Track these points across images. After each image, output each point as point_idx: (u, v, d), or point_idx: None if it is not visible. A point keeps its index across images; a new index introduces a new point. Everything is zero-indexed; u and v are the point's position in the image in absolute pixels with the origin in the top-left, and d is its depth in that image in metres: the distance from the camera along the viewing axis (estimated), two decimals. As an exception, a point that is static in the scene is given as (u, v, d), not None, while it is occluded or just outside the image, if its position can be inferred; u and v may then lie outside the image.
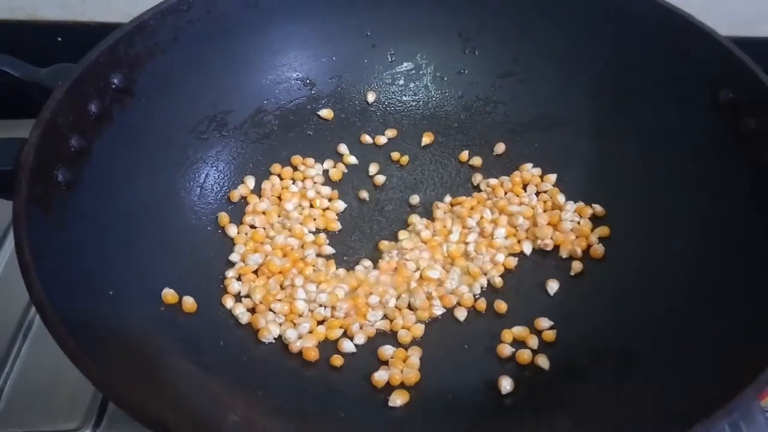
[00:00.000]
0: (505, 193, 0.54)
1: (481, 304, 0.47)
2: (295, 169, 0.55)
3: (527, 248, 0.50)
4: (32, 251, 0.34)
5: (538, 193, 0.53)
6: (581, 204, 0.52)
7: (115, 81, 0.46)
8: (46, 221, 0.38)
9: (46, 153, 0.39)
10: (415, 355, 0.45)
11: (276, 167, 0.55)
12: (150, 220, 0.46)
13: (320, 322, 0.46)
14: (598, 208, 0.52)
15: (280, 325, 0.46)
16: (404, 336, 0.46)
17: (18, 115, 0.58)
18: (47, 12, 0.66)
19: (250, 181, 0.54)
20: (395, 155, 0.57)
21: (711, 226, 0.46)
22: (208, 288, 0.47)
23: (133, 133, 0.47)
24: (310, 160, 0.56)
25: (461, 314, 0.47)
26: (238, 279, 0.48)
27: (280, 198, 0.53)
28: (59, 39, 0.67)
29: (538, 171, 0.55)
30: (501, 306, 0.47)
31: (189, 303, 0.44)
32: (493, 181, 0.54)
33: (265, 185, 0.54)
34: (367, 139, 0.58)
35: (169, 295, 0.44)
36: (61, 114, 0.41)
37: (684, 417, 0.32)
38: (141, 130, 0.48)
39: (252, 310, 0.46)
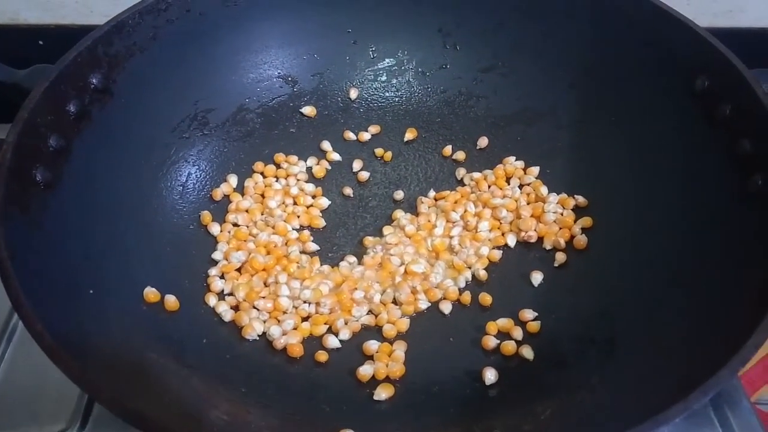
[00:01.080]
0: (489, 187, 0.54)
1: (466, 297, 0.47)
2: (278, 166, 0.55)
3: (511, 241, 0.51)
4: (9, 250, 0.34)
5: (521, 186, 0.54)
6: (564, 195, 0.52)
7: (94, 81, 0.46)
8: (25, 221, 0.38)
9: (25, 152, 0.39)
10: (400, 349, 0.45)
11: (259, 165, 0.55)
12: (131, 220, 0.46)
13: (305, 319, 0.46)
14: (581, 199, 0.52)
15: (264, 322, 0.46)
16: (389, 330, 0.46)
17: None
18: (28, 15, 0.66)
19: (233, 180, 0.53)
20: (379, 151, 0.57)
21: (691, 213, 0.46)
22: (191, 286, 0.46)
23: (113, 132, 0.47)
24: (294, 158, 0.56)
25: (446, 307, 0.47)
26: (221, 277, 0.48)
27: (263, 196, 0.53)
28: (40, 42, 0.67)
29: (521, 164, 0.55)
30: (486, 298, 0.47)
31: (171, 301, 0.44)
32: (476, 175, 0.55)
33: (248, 183, 0.54)
34: (350, 135, 0.58)
35: (150, 294, 0.44)
36: (39, 113, 0.41)
37: (664, 400, 0.32)
38: (121, 129, 0.47)
39: (235, 308, 0.46)
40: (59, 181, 0.41)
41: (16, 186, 0.38)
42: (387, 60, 0.59)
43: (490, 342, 0.44)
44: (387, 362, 0.44)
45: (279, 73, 0.57)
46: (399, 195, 0.54)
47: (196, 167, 0.52)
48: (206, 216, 0.51)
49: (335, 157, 0.56)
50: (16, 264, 0.33)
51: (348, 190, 0.55)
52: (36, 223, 0.38)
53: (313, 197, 0.54)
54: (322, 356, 0.44)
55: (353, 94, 0.59)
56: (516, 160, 0.55)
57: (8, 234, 0.35)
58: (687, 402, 0.30)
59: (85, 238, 0.42)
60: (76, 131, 0.44)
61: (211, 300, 0.46)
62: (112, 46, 0.47)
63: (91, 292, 0.39)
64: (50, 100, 0.42)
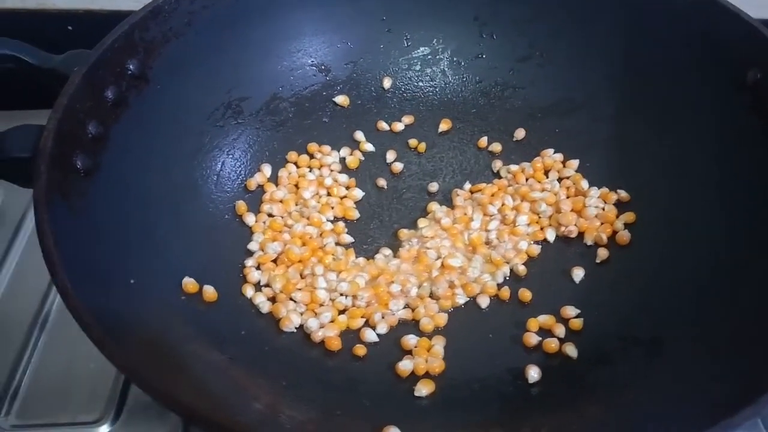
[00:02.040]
0: (527, 180, 0.53)
1: (505, 293, 0.47)
2: (311, 156, 0.55)
3: (550, 235, 0.50)
4: (55, 240, 0.33)
5: (560, 179, 0.53)
6: (605, 190, 0.51)
7: (131, 67, 0.45)
8: (66, 208, 0.37)
9: (65, 139, 0.38)
10: (438, 344, 0.44)
11: (292, 155, 0.54)
12: (167, 209, 0.46)
13: (341, 312, 0.46)
14: (623, 194, 0.51)
15: (302, 314, 0.45)
16: (427, 324, 0.45)
17: (30, 105, 0.58)
18: (58, 1, 0.65)
19: (267, 169, 0.53)
20: (413, 142, 0.56)
21: (737, 209, 0.45)
22: (227, 277, 0.46)
23: (149, 119, 0.46)
24: (327, 148, 0.55)
25: (484, 301, 0.46)
26: (258, 268, 0.47)
27: (297, 186, 0.53)
28: (69, 27, 0.67)
29: (559, 156, 0.54)
30: (525, 294, 0.46)
31: (209, 292, 0.44)
32: (513, 168, 0.54)
33: (282, 173, 0.53)
34: (383, 126, 0.57)
35: (189, 284, 0.43)
36: (78, 100, 0.40)
37: (715, 407, 0.31)
38: (157, 116, 0.47)
39: (272, 300, 0.46)
40: (97, 168, 0.41)
41: (57, 173, 0.37)
42: (421, 49, 0.58)
43: (532, 339, 0.44)
44: (426, 357, 0.43)
45: (312, 61, 0.56)
46: (434, 187, 0.53)
47: (230, 156, 0.52)
48: (241, 206, 0.50)
49: (368, 147, 0.56)
50: (61, 253, 0.33)
51: (382, 182, 0.54)
52: (76, 210, 0.38)
53: (347, 188, 0.53)
54: (360, 350, 0.43)
55: (387, 83, 0.58)
56: (554, 152, 0.54)
57: (52, 221, 0.34)
58: (757, 405, 0.29)
59: (122, 227, 0.41)
60: (114, 118, 0.43)
61: (249, 291, 0.46)
62: (148, 32, 0.46)
63: (132, 281, 0.39)
64: (89, 86, 0.42)
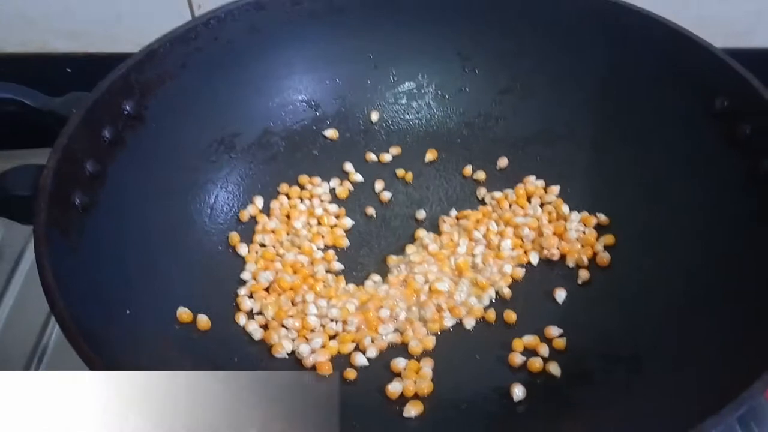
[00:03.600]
0: (510, 206, 0.55)
1: (491, 315, 0.48)
2: (302, 188, 0.56)
3: (534, 259, 0.51)
4: (54, 273, 0.35)
5: (542, 205, 0.54)
6: (585, 214, 0.53)
7: (127, 107, 0.47)
8: (65, 244, 0.39)
9: (64, 177, 0.40)
10: (427, 366, 0.45)
11: (284, 187, 0.56)
12: (163, 241, 0.47)
13: (332, 337, 0.47)
14: (603, 217, 0.52)
15: (293, 340, 0.46)
16: (415, 347, 0.46)
17: (28, 144, 0.60)
18: (57, 44, 0.68)
19: (259, 201, 0.55)
20: (400, 172, 0.58)
21: (712, 230, 0.46)
22: (221, 306, 0.47)
23: (144, 157, 0.48)
24: (317, 179, 0.57)
25: (469, 323, 0.48)
26: (250, 296, 0.49)
27: (288, 216, 0.54)
28: (68, 70, 0.69)
29: (541, 183, 0.56)
30: (510, 316, 0.48)
31: (203, 321, 0.45)
32: (497, 194, 0.55)
33: (274, 204, 0.55)
34: (371, 157, 0.59)
35: (183, 313, 0.45)
36: (76, 140, 0.42)
37: (694, 415, 0.32)
38: (152, 154, 0.49)
39: (265, 327, 0.47)
40: (95, 205, 0.43)
41: (57, 210, 0.39)
42: (407, 83, 0.61)
43: (517, 359, 0.45)
44: (415, 379, 0.44)
45: (303, 97, 0.59)
46: (421, 214, 0.55)
47: (224, 189, 0.54)
48: (234, 237, 0.52)
49: (358, 178, 0.58)
50: (60, 286, 0.35)
51: (371, 210, 0.56)
52: (75, 246, 0.39)
53: (337, 217, 0.55)
54: (350, 374, 0.45)
55: (374, 116, 0.60)
56: (536, 179, 0.56)
57: (51, 256, 0.36)
58: (719, 416, 0.30)
59: (120, 260, 0.43)
60: (110, 156, 0.45)
61: (242, 319, 0.47)
62: (143, 74, 0.49)
63: (128, 312, 0.40)
64: (87, 127, 0.44)
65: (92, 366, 0.32)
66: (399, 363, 0.45)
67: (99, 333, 0.36)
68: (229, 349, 0.45)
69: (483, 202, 0.56)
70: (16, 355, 0.50)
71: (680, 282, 0.46)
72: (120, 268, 0.43)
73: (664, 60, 0.52)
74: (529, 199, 0.55)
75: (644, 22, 0.52)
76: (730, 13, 0.67)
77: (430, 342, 0.47)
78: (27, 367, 0.50)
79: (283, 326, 0.47)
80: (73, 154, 0.42)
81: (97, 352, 0.33)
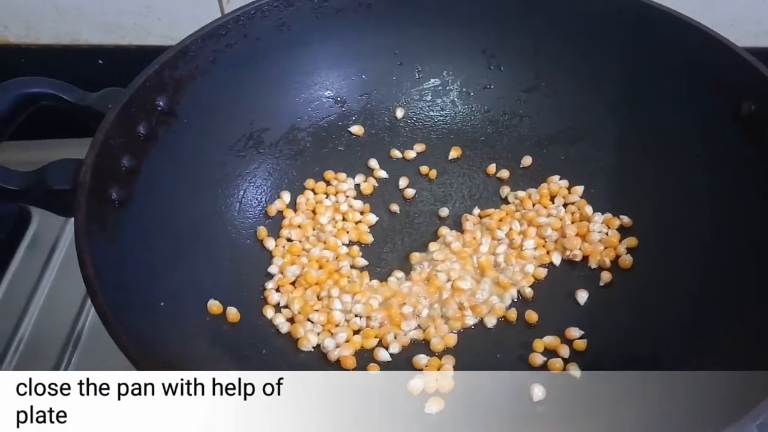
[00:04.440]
0: (533, 205, 0.55)
1: (512, 314, 0.49)
2: (328, 183, 0.57)
3: (556, 259, 0.52)
4: (95, 267, 0.36)
5: (565, 205, 0.55)
6: (609, 215, 0.53)
7: (161, 103, 0.48)
8: (103, 237, 0.40)
9: (102, 173, 0.42)
10: (448, 363, 0.46)
11: (310, 182, 0.57)
12: (194, 235, 0.49)
13: (356, 332, 0.48)
14: (626, 219, 0.53)
15: (318, 334, 0.48)
16: (437, 344, 0.47)
17: (65, 135, 0.61)
18: (90, 37, 0.69)
19: (286, 196, 0.56)
20: (424, 169, 0.59)
21: (735, 233, 0.47)
22: (249, 299, 0.49)
23: (176, 152, 0.49)
24: (342, 175, 0.58)
25: (490, 321, 0.48)
26: (277, 290, 0.50)
27: (314, 212, 0.55)
28: (100, 62, 0.71)
29: (565, 183, 0.56)
30: (532, 316, 0.49)
31: (233, 313, 0.47)
32: (521, 194, 0.56)
33: (300, 200, 0.56)
34: (396, 153, 0.59)
35: (214, 306, 0.46)
36: (113, 135, 0.44)
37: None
38: (184, 149, 0.50)
39: (291, 320, 0.48)
40: (130, 199, 0.44)
41: (95, 204, 0.40)
42: (432, 80, 0.61)
43: (537, 359, 0.46)
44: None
45: (329, 93, 0.59)
46: (444, 212, 0.56)
47: (252, 184, 0.55)
48: (262, 231, 0.53)
49: (382, 174, 0.58)
50: (101, 281, 0.36)
51: (395, 207, 0.56)
52: (112, 240, 0.41)
53: (362, 213, 0.56)
54: (373, 369, 0.46)
55: (399, 113, 0.61)
56: (560, 179, 0.56)
57: (92, 252, 0.37)
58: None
59: (154, 254, 0.44)
60: (145, 152, 0.46)
61: (269, 312, 0.48)
62: (176, 70, 0.50)
63: (162, 304, 0.42)
64: (122, 123, 0.45)
65: (132, 358, 0.33)
66: (421, 359, 0.46)
67: (136, 325, 0.37)
68: (257, 342, 0.46)
69: (506, 201, 0.56)
70: (52, 342, 0.52)
71: (703, 286, 0.46)
72: (153, 261, 0.44)
73: (691, 61, 0.51)
74: (552, 199, 0.55)
75: (669, 20, 0.52)
76: (759, 9, 0.66)
77: (452, 339, 0.48)
78: (61, 354, 0.52)
79: (309, 320, 0.48)
80: (110, 150, 0.43)
81: (135, 344, 0.34)
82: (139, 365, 0.33)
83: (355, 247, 0.53)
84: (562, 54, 0.57)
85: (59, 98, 0.47)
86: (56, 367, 0.51)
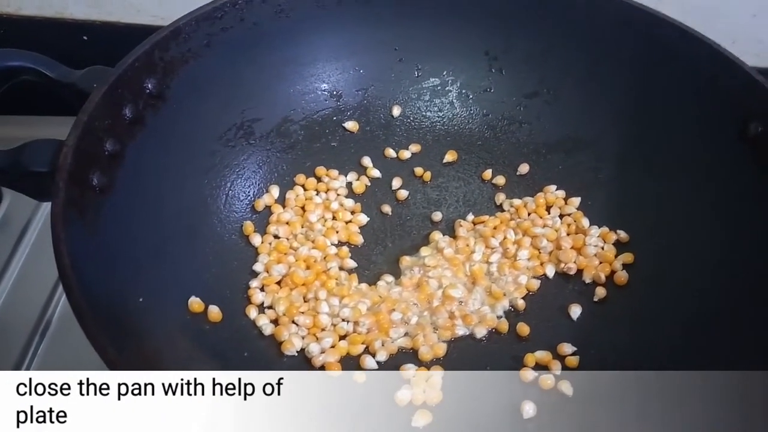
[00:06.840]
0: (529, 214, 0.54)
1: (503, 326, 0.47)
2: (319, 180, 0.55)
3: (550, 271, 0.51)
4: (71, 257, 0.34)
5: (561, 216, 0.54)
6: (605, 229, 0.52)
7: (149, 86, 0.46)
8: (81, 225, 0.38)
9: (83, 156, 0.39)
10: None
11: (300, 177, 0.55)
12: (177, 227, 0.46)
13: (342, 337, 0.46)
14: (623, 234, 0.52)
15: (303, 338, 0.46)
16: (426, 354, 0.46)
17: (45, 112, 0.58)
18: (75, 11, 0.66)
19: (275, 191, 0.54)
20: (418, 170, 0.57)
21: (734, 256, 0.46)
22: (232, 297, 0.47)
23: (163, 138, 0.47)
24: (334, 172, 0.56)
25: (480, 332, 0.47)
26: (262, 289, 0.48)
27: (303, 209, 0.53)
28: (85, 38, 0.68)
29: (562, 193, 0.55)
30: (523, 328, 0.47)
31: (214, 312, 0.44)
32: (516, 202, 0.55)
33: (290, 195, 0.54)
34: (390, 153, 0.58)
35: (195, 303, 0.44)
36: (97, 117, 0.41)
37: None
38: (171, 135, 0.48)
39: (275, 322, 0.46)
40: (112, 186, 0.42)
41: (75, 190, 0.38)
42: (431, 79, 0.59)
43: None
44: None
45: (325, 86, 0.57)
46: (437, 216, 0.54)
47: (240, 176, 0.53)
48: (248, 226, 0.51)
49: (375, 173, 0.57)
50: (77, 273, 0.34)
51: (386, 208, 0.55)
52: (91, 229, 0.38)
53: (352, 213, 0.54)
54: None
55: (396, 111, 0.59)
56: (557, 189, 0.55)
57: (68, 241, 0.35)
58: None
59: (134, 246, 0.42)
60: (130, 136, 0.44)
61: (252, 312, 0.46)
62: (168, 52, 0.47)
63: (141, 300, 0.39)
64: (108, 104, 0.42)
65: (106, 358, 0.31)
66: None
67: (111, 320, 0.35)
68: (240, 343, 0.44)
69: (501, 209, 0.55)
70: (20, 328, 0.49)
71: (698, 306, 0.45)
72: (133, 253, 0.42)
73: (698, 78, 0.50)
74: (548, 209, 0.54)
75: (677, 33, 0.51)
76: (761, 29, 0.66)
77: (441, 349, 0.46)
78: (30, 340, 0.49)
79: (293, 323, 0.46)
80: (93, 132, 0.41)
81: (110, 340, 0.32)
82: (116, 367, 0.31)
83: (345, 248, 0.52)
84: (567, 62, 0.56)
85: (41, 73, 0.45)
86: (23, 356, 0.49)
